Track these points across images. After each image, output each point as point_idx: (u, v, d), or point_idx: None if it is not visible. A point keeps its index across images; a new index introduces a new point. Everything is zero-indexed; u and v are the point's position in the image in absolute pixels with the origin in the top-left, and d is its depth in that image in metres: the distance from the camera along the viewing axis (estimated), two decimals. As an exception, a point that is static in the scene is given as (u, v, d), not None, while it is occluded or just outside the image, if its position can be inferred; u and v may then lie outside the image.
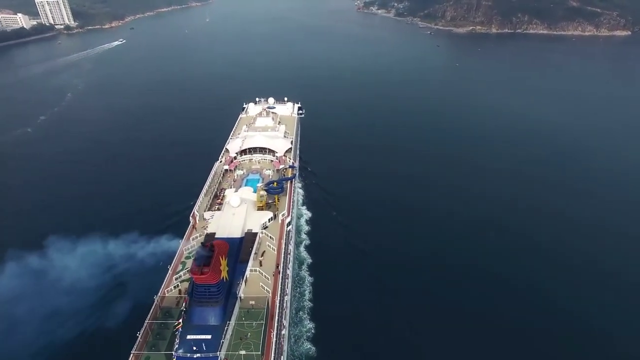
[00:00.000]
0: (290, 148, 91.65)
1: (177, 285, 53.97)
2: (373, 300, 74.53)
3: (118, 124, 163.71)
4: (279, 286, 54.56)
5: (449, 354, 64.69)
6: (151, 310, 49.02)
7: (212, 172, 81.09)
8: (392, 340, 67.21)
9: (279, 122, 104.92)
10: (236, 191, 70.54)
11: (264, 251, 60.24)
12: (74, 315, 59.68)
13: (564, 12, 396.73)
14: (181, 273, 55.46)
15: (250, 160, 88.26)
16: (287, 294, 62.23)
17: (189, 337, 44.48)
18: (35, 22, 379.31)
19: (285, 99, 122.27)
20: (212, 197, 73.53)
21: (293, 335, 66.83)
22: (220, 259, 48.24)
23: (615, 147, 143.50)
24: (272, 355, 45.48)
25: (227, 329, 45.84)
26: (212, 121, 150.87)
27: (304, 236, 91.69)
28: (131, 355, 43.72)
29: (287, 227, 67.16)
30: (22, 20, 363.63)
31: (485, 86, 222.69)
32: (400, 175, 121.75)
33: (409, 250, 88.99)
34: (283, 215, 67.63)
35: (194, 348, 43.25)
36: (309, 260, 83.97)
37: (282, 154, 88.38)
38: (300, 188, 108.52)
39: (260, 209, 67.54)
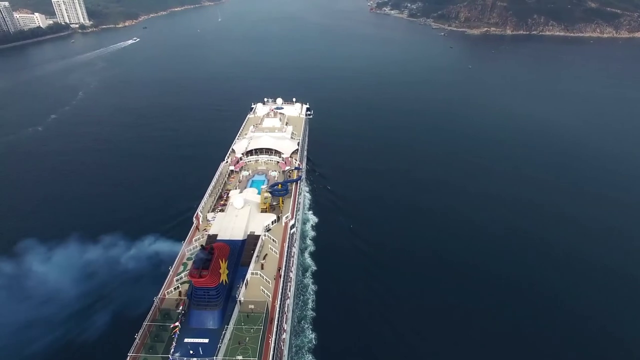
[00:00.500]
0: (297, 149, 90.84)
1: (178, 286, 53.45)
2: (380, 313, 71.46)
3: (127, 123, 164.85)
4: (280, 290, 53.69)
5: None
6: (150, 312, 48.55)
7: (218, 173, 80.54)
8: (400, 357, 64.93)
9: (287, 123, 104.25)
10: (241, 192, 70.05)
11: (266, 254, 59.45)
12: (73, 315, 59.79)
13: (582, 14, 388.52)
14: (182, 274, 55.04)
15: (257, 161, 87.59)
16: (289, 297, 61.46)
17: (186, 340, 44.03)
18: (51, 22, 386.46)
19: (294, 99, 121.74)
20: (216, 198, 73.11)
21: (294, 345, 65.55)
22: (220, 262, 47.64)
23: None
24: None
25: (225, 333, 45.21)
26: (221, 121, 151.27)
27: (309, 242, 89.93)
28: (128, 357, 43.20)
29: (291, 230, 66.24)
30: (38, 20, 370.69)
31: (499, 89, 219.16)
32: (412, 179, 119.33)
33: (423, 260, 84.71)
34: (287, 217, 66.69)
35: (191, 352, 42.72)
36: (314, 268, 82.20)
37: (289, 156, 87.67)
38: (307, 192, 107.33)
39: (264, 211, 66.84)
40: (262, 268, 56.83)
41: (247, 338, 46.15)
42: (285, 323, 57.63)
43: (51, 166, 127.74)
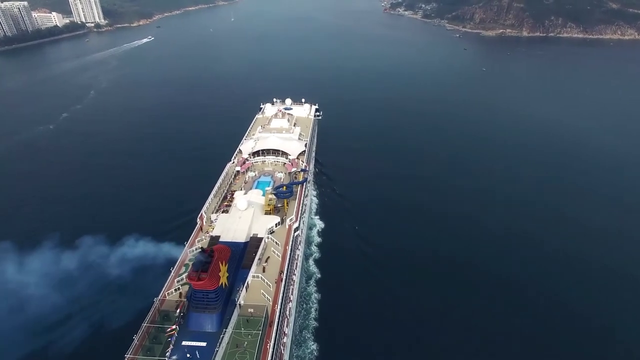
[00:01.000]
0: (304, 151, 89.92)
1: (179, 288, 52.98)
2: (387, 328, 68.83)
3: (134, 122, 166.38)
4: (281, 294, 52.75)
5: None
6: (150, 313, 48.10)
7: (223, 173, 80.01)
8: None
9: (295, 123, 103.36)
10: (246, 193, 69.40)
11: (269, 257, 58.63)
12: (72, 315, 59.85)
13: (602, 15, 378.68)
14: (183, 276, 54.54)
15: (263, 162, 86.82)
16: (291, 301, 60.63)
17: (184, 343, 43.64)
18: (67, 21, 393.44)
19: (303, 100, 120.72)
20: (221, 199, 72.59)
21: (295, 356, 64.51)
22: (220, 264, 47.10)
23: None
24: None
25: (224, 336, 44.56)
26: (230, 121, 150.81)
27: (314, 249, 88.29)
28: (125, 359, 42.93)
29: (295, 232, 65.34)
30: (55, 19, 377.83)
31: (512, 92, 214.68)
32: (424, 183, 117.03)
33: (436, 269, 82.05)
34: (291, 220, 65.77)
35: (188, 355, 42.28)
36: (318, 275, 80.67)
37: (295, 157, 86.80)
38: (314, 196, 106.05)
39: (268, 213, 66.10)
40: (263, 271, 56.04)
41: (246, 342, 45.32)
42: (287, 327, 56.79)
43: (60, 165, 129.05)
